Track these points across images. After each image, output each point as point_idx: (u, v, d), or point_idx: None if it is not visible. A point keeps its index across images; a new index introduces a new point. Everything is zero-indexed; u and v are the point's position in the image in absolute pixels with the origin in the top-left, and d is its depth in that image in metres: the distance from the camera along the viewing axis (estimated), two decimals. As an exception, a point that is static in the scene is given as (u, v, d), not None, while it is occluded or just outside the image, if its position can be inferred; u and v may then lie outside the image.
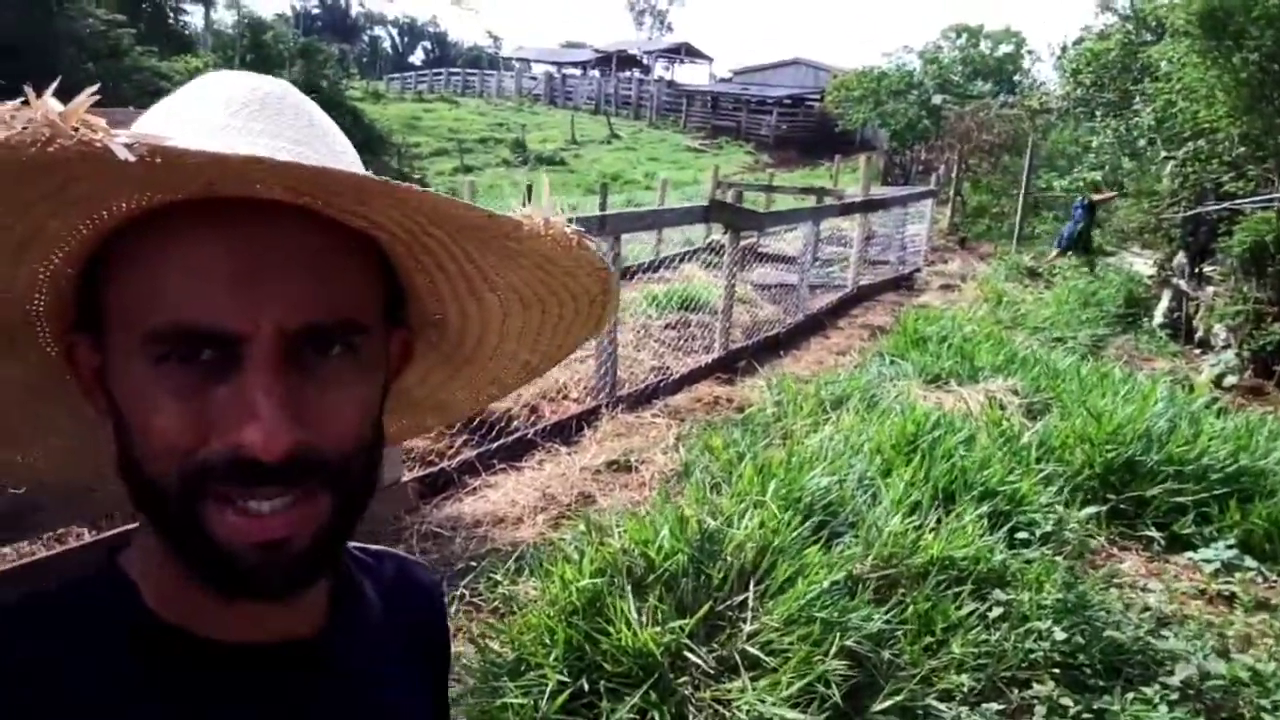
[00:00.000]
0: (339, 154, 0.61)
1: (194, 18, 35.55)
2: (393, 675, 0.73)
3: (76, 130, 0.40)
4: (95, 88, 0.43)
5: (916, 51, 31.55)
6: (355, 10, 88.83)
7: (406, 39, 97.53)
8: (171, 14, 29.66)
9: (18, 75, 0.81)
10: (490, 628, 2.78)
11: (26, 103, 0.41)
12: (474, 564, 3.26)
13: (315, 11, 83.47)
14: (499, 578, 3.06)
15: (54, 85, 0.43)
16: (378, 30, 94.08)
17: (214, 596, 0.56)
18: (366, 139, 28.95)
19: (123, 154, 0.41)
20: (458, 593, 3.03)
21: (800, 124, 39.17)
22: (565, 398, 5.91)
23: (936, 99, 27.73)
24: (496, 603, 2.98)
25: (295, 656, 0.64)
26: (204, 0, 35.66)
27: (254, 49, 29.44)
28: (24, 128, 0.40)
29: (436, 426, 0.86)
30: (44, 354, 0.61)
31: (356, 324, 0.57)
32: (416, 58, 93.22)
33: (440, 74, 53.47)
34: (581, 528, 3.11)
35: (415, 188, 0.53)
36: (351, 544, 0.72)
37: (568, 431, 5.06)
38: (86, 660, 0.57)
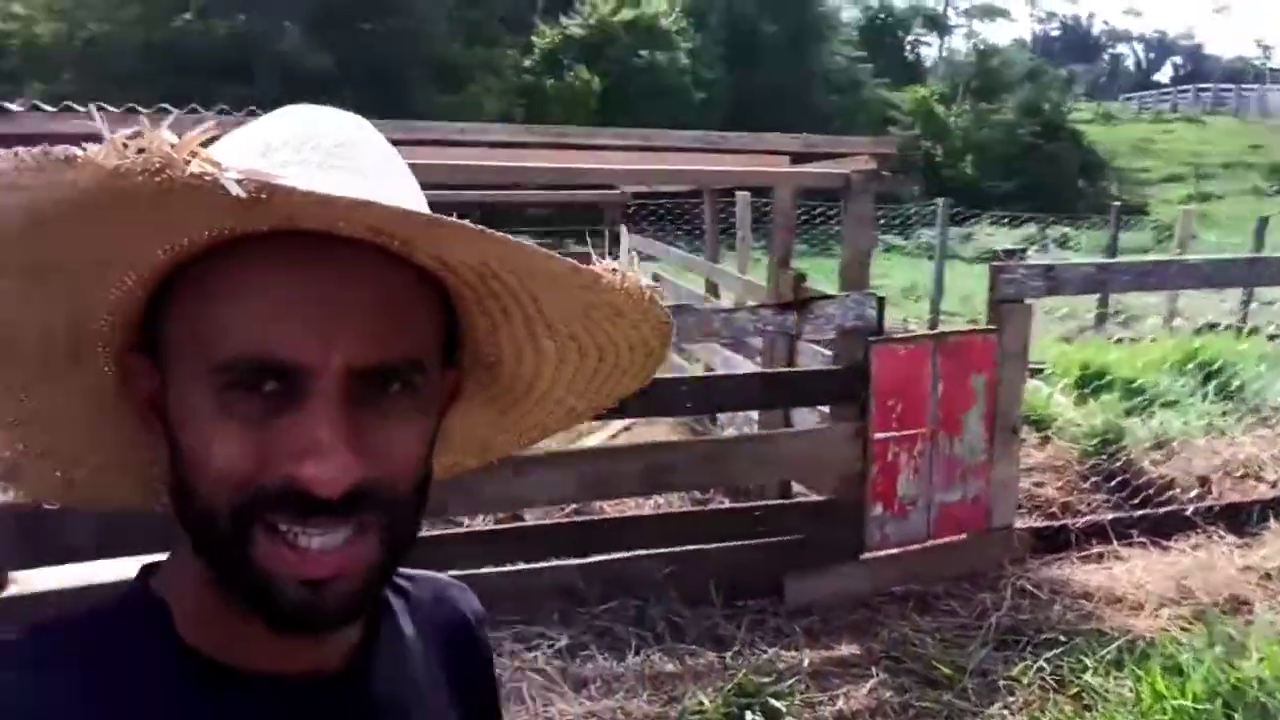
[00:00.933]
0: (411, 188, 0.61)
1: (930, 49, 37.56)
2: (421, 709, 0.70)
3: (188, 162, 0.41)
4: (211, 124, 0.45)
5: None
6: (1098, 29, 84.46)
7: (1153, 55, 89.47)
8: (908, 47, 31.71)
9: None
10: (1061, 713, 2.47)
11: (140, 134, 0.42)
12: (1064, 638, 2.92)
13: (1055, 33, 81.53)
14: (1089, 662, 2.69)
15: (171, 118, 0.45)
16: (1120, 48, 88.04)
17: (251, 626, 0.56)
18: (1083, 163, 27.41)
19: (234, 190, 0.42)
20: (1035, 665, 2.75)
21: None
22: (1253, 477, 4.89)
23: None
24: (1078, 689, 2.63)
25: (322, 690, 0.63)
26: (940, 31, 37.39)
27: (981, 75, 29.92)
28: (137, 157, 0.41)
29: (474, 466, 0.81)
30: (100, 373, 0.62)
31: (419, 364, 0.57)
32: (1164, 74, 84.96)
33: (1187, 91, 47.93)
34: (1205, 636, 2.56)
35: (508, 238, 0.53)
36: None
37: (1243, 518, 4.19)
38: (115, 685, 0.57)
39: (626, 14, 22.46)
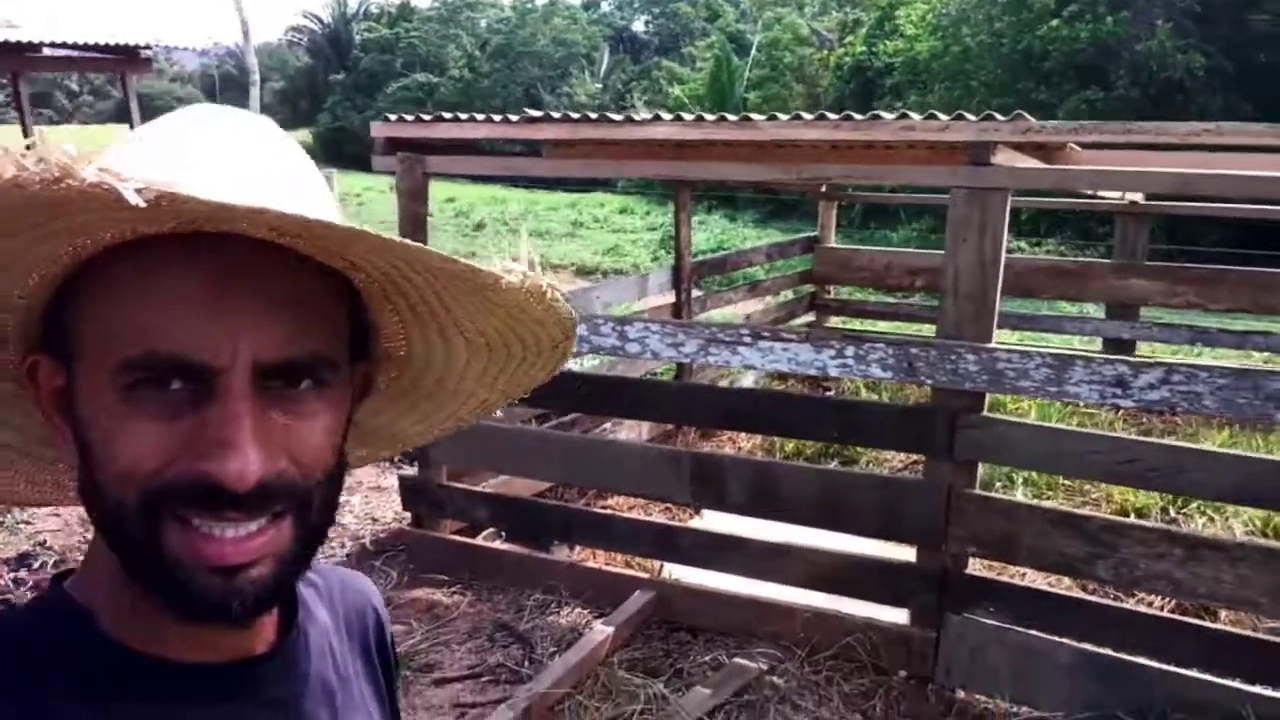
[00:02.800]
0: (319, 193, 0.61)
1: None
2: (345, 684, 0.73)
3: (89, 173, 0.42)
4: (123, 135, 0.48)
5: None
6: None
7: None
8: None
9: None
10: None
11: (36, 145, 0.43)
12: None
13: None
14: None
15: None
16: None
17: (171, 619, 0.56)
18: None
19: (133, 199, 0.43)
20: None
21: None
22: None
23: None
24: None
25: (252, 673, 0.65)
26: None
27: None
28: (35, 167, 0.42)
29: (389, 456, 0.86)
30: (2, 373, 0.63)
31: (327, 359, 0.58)
32: None
33: None
34: None
35: (406, 241, 0.54)
36: None
37: None
38: (44, 689, 0.57)
39: None
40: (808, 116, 3.27)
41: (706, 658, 3.19)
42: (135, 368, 0.53)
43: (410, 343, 0.70)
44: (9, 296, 0.57)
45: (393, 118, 3.88)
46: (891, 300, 7.89)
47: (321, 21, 44.83)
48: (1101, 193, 5.86)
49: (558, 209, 20.74)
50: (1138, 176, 3.31)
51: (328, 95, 38.57)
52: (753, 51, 25.20)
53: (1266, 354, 6.50)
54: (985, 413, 3.04)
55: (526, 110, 3.79)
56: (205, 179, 0.53)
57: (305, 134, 41.24)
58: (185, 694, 0.61)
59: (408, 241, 0.54)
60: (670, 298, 5.82)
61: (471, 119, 3.78)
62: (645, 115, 3.86)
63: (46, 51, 6.60)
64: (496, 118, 3.77)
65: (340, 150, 33.51)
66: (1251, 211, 6.55)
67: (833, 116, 3.23)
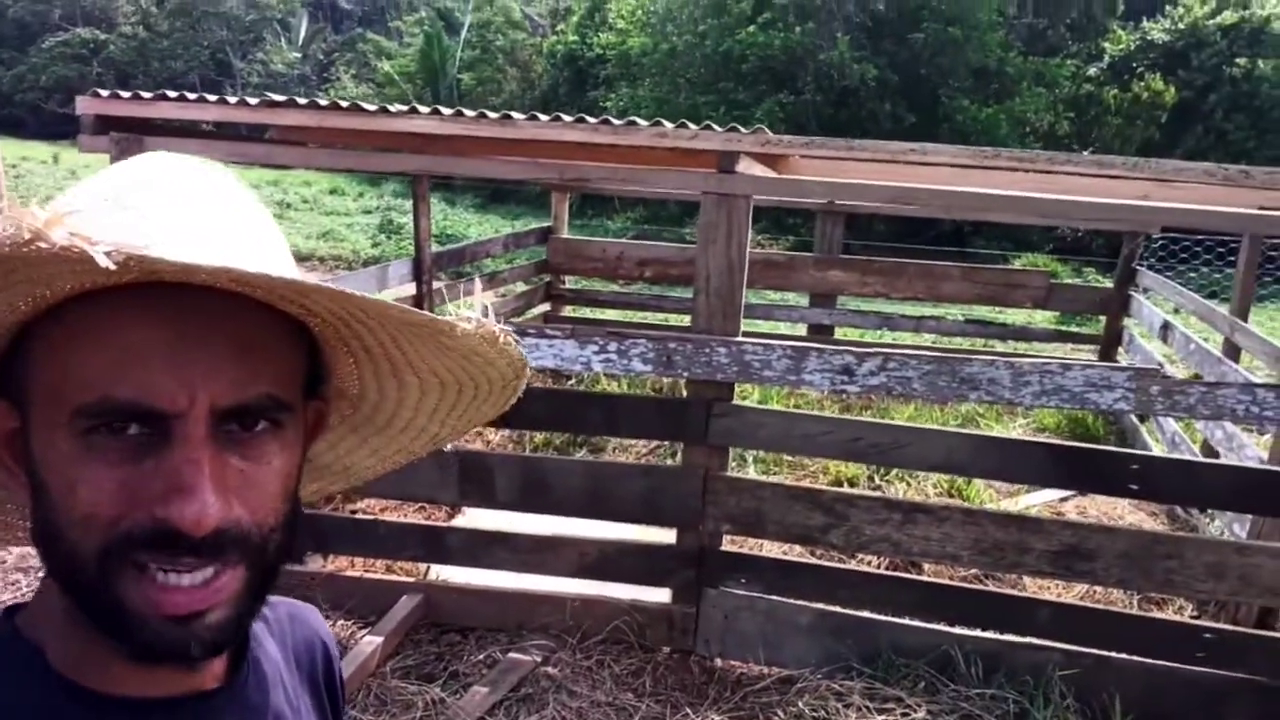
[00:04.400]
0: (271, 241, 0.63)
1: None
2: (296, 715, 0.74)
3: (59, 236, 0.44)
4: (76, 209, 0.48)
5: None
6: None
7: None
8: None
9: None
10: None
11: (8, 210, 0.44)
12: None
13: None
14: None
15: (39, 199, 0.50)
16: None
17: (124, 659, 0.57)
18: None
19: (104, 262, 0.44)
20: None
21: None
22: None
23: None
24: None
25: (204, 708, 0.65)
26: None
27: None
28: (6, 231, 0.43)
29: (341, 489, 0.86)
30: None
31: (283, 402, 0.59)
32: None
33: None
34: None
35: (364, 295, 0.56)
36: None
37: None
38: None
39: (1229, 16, 19.28)
40: (567, 119, 3.36)
41: (480, 656, 3.21)
42: (93, 413, 0.53)
43: (363, 382, 0.72)
44: None
45: (105, 93, 3.47)
46: (622, 290, 8.23)
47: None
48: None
49: (260, 186, 19.31)
50: (863, 189, 3.72)
51: (-36, 45, 33.03)
52: (463, 32, 24.90)
53: (935, 335, 7.56)
54: (735, 401, 3.32)
55: (269, 95, 3.54)
56: (167, 234, 0.54)
57: (-66, 89, 35.04)
58: None
59: (365, 295, 0.56)
60: (411, 289, 5.69)
61: (202, 99, 3.48)
62: (401, 107, 3.76)
63: None
64: (232, 99, 3.50)
65: (-16, 111, 28.92)
66: (913, 211, 7.57)
67: (591, 120, 3.35)
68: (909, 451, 3.17)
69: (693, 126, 3.33)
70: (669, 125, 3.32)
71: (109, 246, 0.44)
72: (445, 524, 3.81)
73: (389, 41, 30.09)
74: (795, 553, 3.87)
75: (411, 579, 3.59)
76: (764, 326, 7.93)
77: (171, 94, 3.48)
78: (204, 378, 0.54)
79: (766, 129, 3.34)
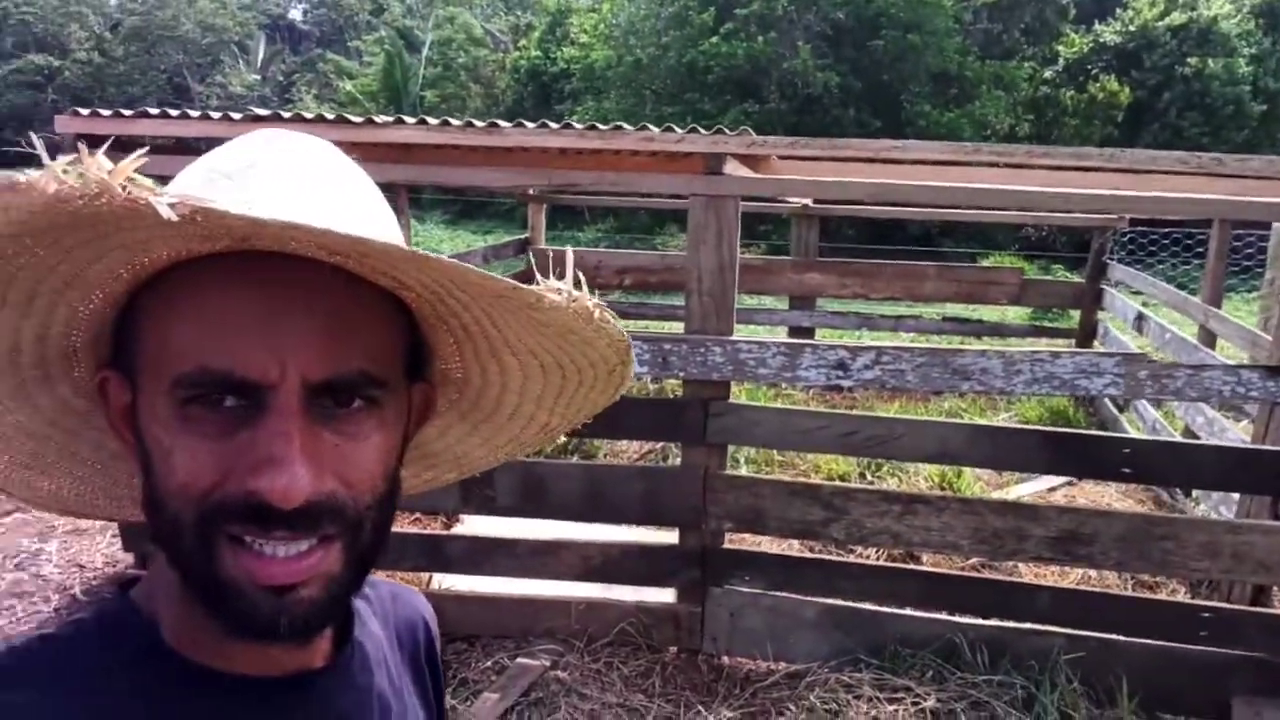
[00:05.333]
0: (374, 216, 0.61)
1: None
2: (399, 696, 0.75)
3: (124, 188, 0.43)
4: (144, 150, 0.47)
5: None
6: None
7: None
8: None
9: None
10: None
11: (77, 160, 0.43)
12: None
13: None
14: None
15: (107, 143, 0.49)
16: None
17: (224, 634, 0.57)
18: None
19: (166, 213, 0.43)
20: None
21: None
22: None
23: None
24: None
25: (310, 687, 0.66)
26: None
27: None
28: (74, 183, 0.42)
29: (455, 479, 0.84)
30: (75, 388, 0.65)
31: (377, 379, 0.58)
32: None
33: None
34: None
35: (441, 258, 0.54)
36: None
37: None
38: (107, 699, 0.58)
39: (1177, 17, 19.78)
40: (554, 126, 3.37)
41: (488, 663, 3.19)
42: (189, 384, 0.54)
43: (465, 363, 0.71)
44: (76, 314, 0.58)
45: (84, 111, 3.44)
46: (601, 300, 8.22)
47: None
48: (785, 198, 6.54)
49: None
50: (848, 186, 3.76)
51: (-87, 74, 32.40)
52: (424, 50, 24.86)
53: (914, 334, 7.64)
54: (730, 400, 3.34)
55: (252, 110, 3.52)
56: (270, 203, 0.55)
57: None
58: (244, 707, 0.62)
59: (444, 258, 0.54)
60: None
61: (184, 115, 3.46)
62: (310, 112, 3.75)
63: None
64: (215, 115, 3.47)
65: (-67, 140, 28.36)
66: (879, 212, 7.65)
67: (578, 125, 3.36)
68: (904, 443, 3.20)
69: (678, 130, 3.35)
70: (655, 130, 3.34)
71: (173, 198, 0.44)
72: (446, 533, 3.78)
73: (349, 61, 29.93)
74: (796, 548, 3.89)
75: (414, 589, 3.55)
76: (743, 330, 7.98)
77: (153, 110, 3.45)
78: (295, 350, 0.54)
79: (751, 131, 3.37)
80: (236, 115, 3.44)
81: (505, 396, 0.74)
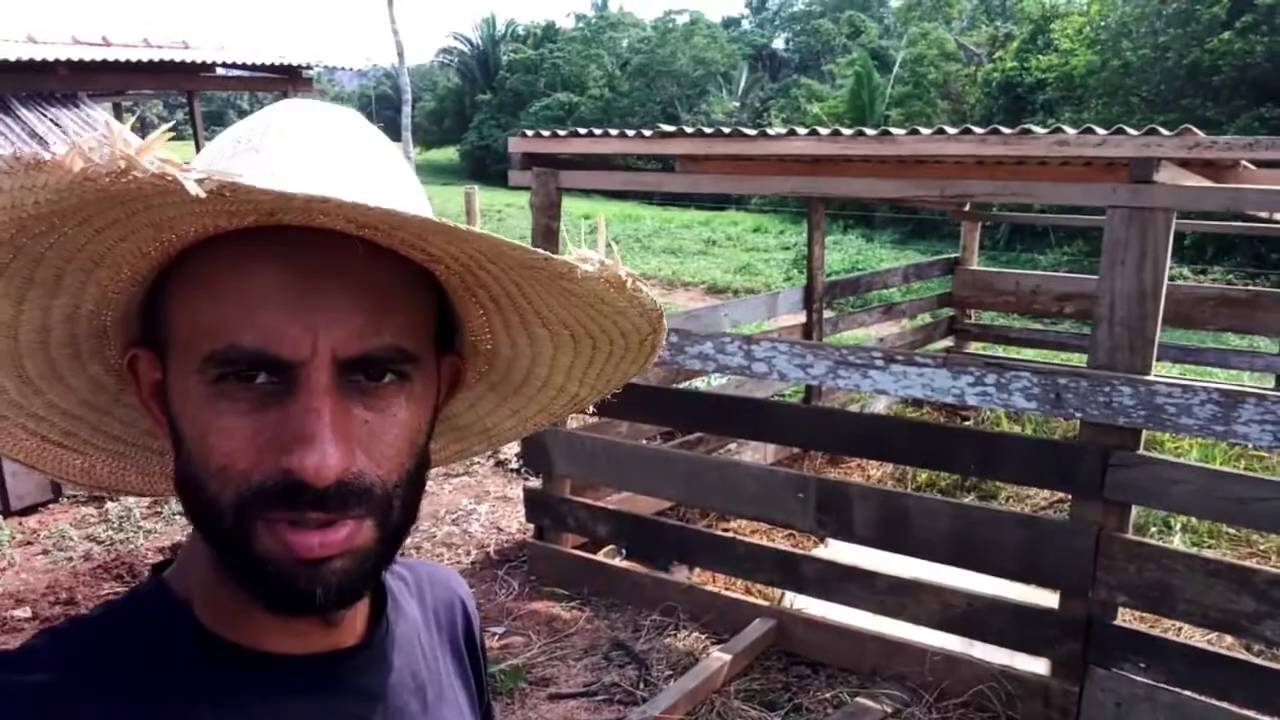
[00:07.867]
0: (404, 187, 0.60)
1: None
2: (435, 676, 0.74)
3: (151, 164, 0.42)
4: (169, 125, 0.46)
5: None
6: None
7: None
8: None
9: None
10: None
11: (104, 137, 0.42)
12: None
13: None
14: None
15: (131, 120, 0.49)
16: None
17: (261, 611, 0.57)
18: None
19: (194, 189, 0.43)
20: None
21: None
22: None
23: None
24: None
25: (343, 664, 0.65)
26: None
27: None
28: (102, 160, 0.42)
29: (484, 452, 0.84)
30: (106, 366, 0.64)
31: (409, 353, 0.57)
32: None
33: None
34: None
35: (472, 229, 0.52)
36: None
37: None
38: (142, 678, 0.58)
39: None
40: (951, 131, 3.12)
41: (827, 694, 3.06)
42: (220, 361, 0.54)
43: (495, 335, 0.70)
44: (105, 292, 0.58)
45: (530, 134, 3.94)
46: (1038, 327, 7.49)
47: (471, 43, 46.55)
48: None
49: (691, 227, 20.77)
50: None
51: (475, 114, 39.97)
52: (895, 68, 24.62)
53: None
54: (1140, 451, 2.82)
55: (660, 125, 3.77)
56: (299, 175, 0.54)
57: (452, 152, 42.85)
58: (278, 684, 0.62)
59: (475, 229, 0.52)
60: (801, 318, 5.68)
61: (606, 134, 3.80)
62: (780, 130, 3.78)
63: (220, 71, 7.06)
64: (630, 133, 3.77)
65: (484, 168, 34.70)
66: None
67: (979, 130, 3.07)
68: (1388, 533, 2.45)
69: (1101, 131, 2.91)
70: (1071, 131, 2.94)
71: (200, 174, 0.43)
72: (801, 551, 3.70)
73: (821, 85, 30.76)
74: (1213, 641, 3.18)
75: (767, 603, 3.53)
76: (1220, 376, 6.74)
77: (581, 131, 3.85)
78: (326, 326, 0.53)
79: (1196, 129, 2.81)
80: (647, 132, 3.70)
81: (535, 368, 0.73)
